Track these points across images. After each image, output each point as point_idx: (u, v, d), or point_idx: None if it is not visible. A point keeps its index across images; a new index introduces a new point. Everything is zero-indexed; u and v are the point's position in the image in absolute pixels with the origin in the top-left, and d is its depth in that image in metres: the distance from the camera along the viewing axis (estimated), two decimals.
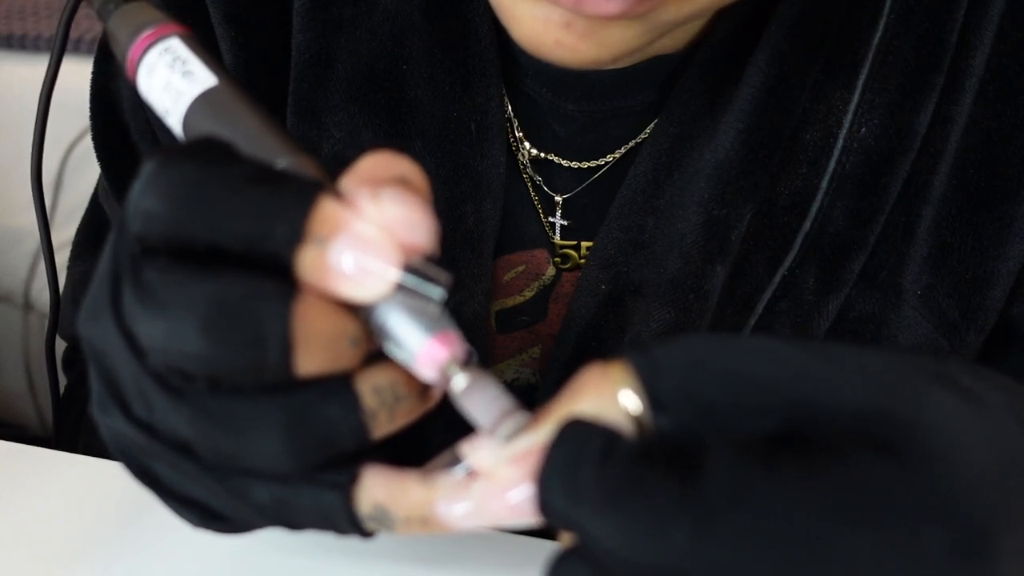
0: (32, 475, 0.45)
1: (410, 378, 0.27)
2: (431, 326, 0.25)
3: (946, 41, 0.42)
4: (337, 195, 0.25)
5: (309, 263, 0.24)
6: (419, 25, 0.45)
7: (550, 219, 0.47)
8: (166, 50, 0.30)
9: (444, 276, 0.25)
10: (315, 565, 0.40)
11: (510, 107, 0.46)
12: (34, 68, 0.91)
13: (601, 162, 0.46)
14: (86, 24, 1.11)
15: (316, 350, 0.25)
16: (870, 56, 0.42)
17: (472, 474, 0.26)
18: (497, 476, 0.25)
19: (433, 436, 0.31)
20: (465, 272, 0.45)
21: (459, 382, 0.25)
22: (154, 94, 0.30)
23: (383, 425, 0.26)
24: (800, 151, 0.42)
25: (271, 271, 0.25)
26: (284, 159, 0.27)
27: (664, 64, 0.44)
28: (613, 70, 0.43)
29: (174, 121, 0.29)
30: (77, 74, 0.87)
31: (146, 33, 0.30)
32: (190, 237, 0.25)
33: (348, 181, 0.26)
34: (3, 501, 0.44)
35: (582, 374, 0.25)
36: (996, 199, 0.43)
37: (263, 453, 0.25)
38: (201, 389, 0.25)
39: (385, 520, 0.27)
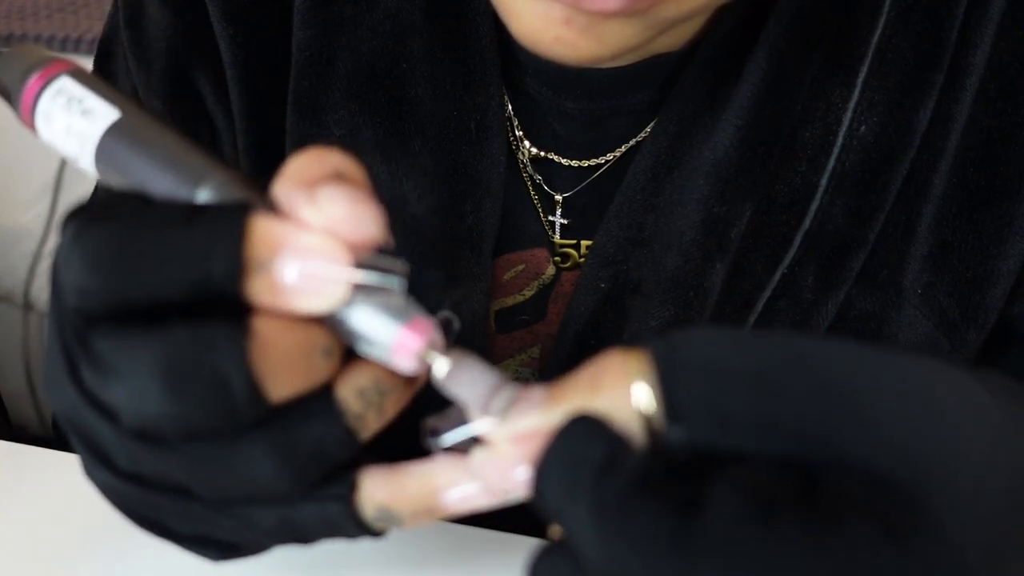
0: (32, 475, 0.45)
1: (389, 374, 0.26)
2: (399, 316, 0.24)
3: (946, 39, 0.41)
4: (270, 210, 0.24)
5: (258, 289, 0.24)
6: (419, 24, 0.44)
7: (550, 218, 0.47)
8: (59, 92, 0.27)
9: (399, 264, 0.25)
10: (315, 562, 0.40)
11: (510, 106, 0.46)
12: None
13: (601, 161, 0.46)
14: (86, 24, 1.11)
15: (285, 374, 0.24)
16: (870, 54, 0.42)
17: (455, 449, 0.26)
18: (499, 451, 0.25)
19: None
20: (464, 271, 0.45)
21: (440, 367, 0.25)
22: (58, 141, 0.28)
23: (372, 424, 0.26)
24: (800, 149, 0.42)
25: (223, 308, 0.24)
26: (208, 180, 0.26)
27: (664, 63, 0.43)
28: (613, 68, 0.43)
29: (86, 164, 0.27)
30: None
31: (33, 78, 0.28)
32: (128, 302, 0.24)
33: (280, 187, 0.25)
34: (3, 501, 0.44)
35: (602, 360, 0.25)
36: (997, 198, 0.43)
37: (259, 483, 0.25)
38: (177, 441, 0.25)
39: (391, 519, 0.27)
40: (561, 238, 0.47)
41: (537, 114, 0.46)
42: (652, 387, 0.23)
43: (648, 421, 0.23)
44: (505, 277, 0.48)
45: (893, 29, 0.42)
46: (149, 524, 0.29)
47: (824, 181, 0.42)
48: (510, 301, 0.48)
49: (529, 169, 0.47)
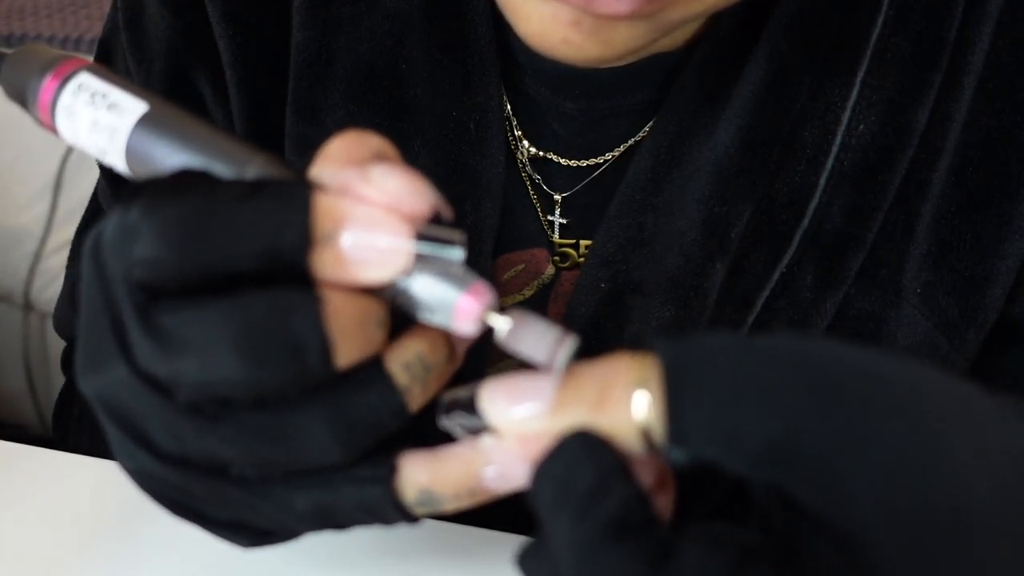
0: (32, 475, 0.45)
1: (434, 346, 0.27)
2: (459, 283, 0.25)
3: (944, 38, 0.42)
4: (322, 187, 0.25)
5: (325, 261, 0.25)
6: (418, 24, 0.45)
7: (549, 218, 0.47)
8: (80, 88, 0.28)
9: (457, 235, 0.25)
10: (313, 561, 0.40)
11: (509, 106, 0.46)
12: None
13: (600, 160, 0.46)
14: (86, 24, 1.11)
15: (351, 341, 0.25)
16: (868, 54, 0.42)
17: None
18: (506, 444, 0.26)
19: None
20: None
21: (502, 325, 0.26)
22: (82, 137, 0.28)
23: (418, 398, 0.27)
24: (799, 148, 0.42)
25: (287, 279, 0.25)
26: (251, 164, 0.27)
27: (662, 62, 0.44)
28: (612, 69, 0.43)
29: (115, 159, 0.27)
30: None
31: (48, 77, 0.28)
32: (203, 273, 0.24)
33: (325, 167, 0.26)
34: (3, 501, 0.44)
35: (612, 367, 0.25)
36: (996, 197, 0.43)
37: (312, 453, 0.26)
38: (240, 408, 0.25)
39: (432, 502, 0.27)
40: (560, 238, 0.47)
41: (536, 114, 0.46)
42: (657, 405, 0.23)
43: (650, 436, 0.24)
44: (505, 277, 0.48)
45: (892, 28, 0.42)
46: (183, 510, 0.29)
47: (823, 181, 0.42)
48: (510, 301, 0.48)
49: (528, 169, 0.47)
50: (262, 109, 0.47)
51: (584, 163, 0.46)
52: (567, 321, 0.45)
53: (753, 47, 0.42)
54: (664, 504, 0.25)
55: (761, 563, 0.22)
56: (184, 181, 0.25)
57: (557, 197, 0.47)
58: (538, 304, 0.48)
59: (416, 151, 0.45)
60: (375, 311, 0.26)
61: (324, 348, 0.24)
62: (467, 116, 0.44)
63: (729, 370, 0.23)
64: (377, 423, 0.26)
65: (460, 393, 0.27)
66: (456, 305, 0.25)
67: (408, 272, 0.25)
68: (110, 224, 0.25)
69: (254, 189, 0.25)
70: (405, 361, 0.26)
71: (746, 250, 0.43)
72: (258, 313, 0.24)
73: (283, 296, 0.24)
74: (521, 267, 0.48)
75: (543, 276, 0.48)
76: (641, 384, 0.24)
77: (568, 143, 0.46)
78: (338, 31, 0.45)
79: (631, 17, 0.32)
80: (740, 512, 0.26)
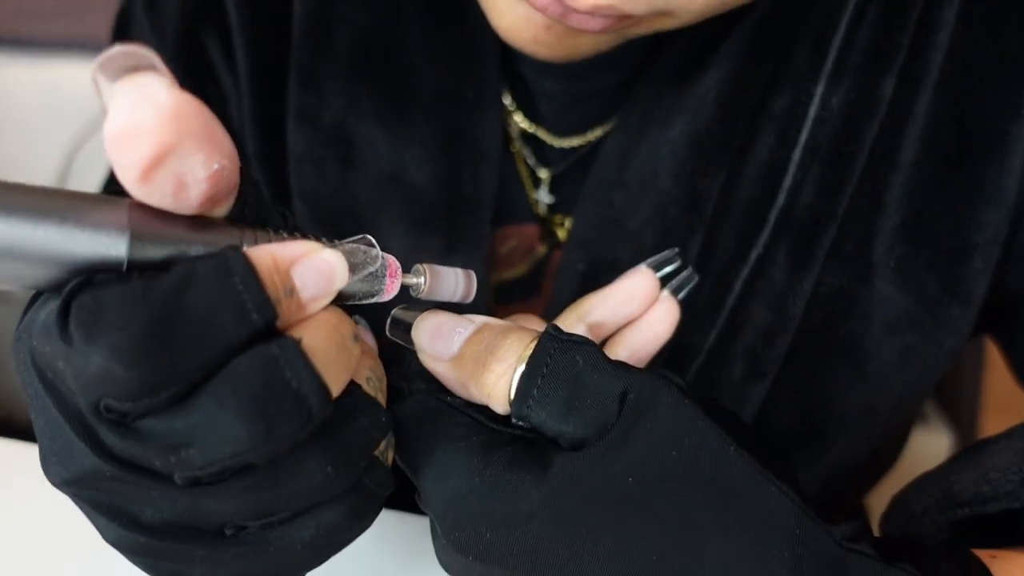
0: (32, 475, 0.45)
1: (374, 358, 0.30)
2: (377, 263, 0.28)
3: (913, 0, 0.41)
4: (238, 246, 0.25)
5: (287, 313, 0.24)
6: None
7: (536, 196, 0.48)
8: None
9: (363, 239, 0.28)
10: None
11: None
12: (34, 68, 0.91)
13: (583, 141, 0.46)
14: (92, 24, 1.11)
15: (334, 369, 0.25)
16: (843, 25, 0.41)
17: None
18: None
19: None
20: (463, 239, 0.45)
21: (419, 281, 0.30)
22: None
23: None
24: (768, 120, 0.42)
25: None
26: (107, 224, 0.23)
27: (637, 44, 0.43)
28: None
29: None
30: (78, 74, 0.88)
31: None
32: (170, 384, 0.23)
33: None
34: (3, 501, 0.44)
35: (506, 337, 0.29)
36: (965, 159, 0.42)
37: (317, 490, 0.26)
38: (240, 474, 0.24)
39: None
40: (549, 215, 0.48)
41: (526, 91, 0.47)
42: (516, 387, 0.28)
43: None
44: (501, 250, 0.48)
45: None
46: None
47: (797, 155, 0.42)
48: (507, 275, 0.49)
49: (518, 144, 0.47)
50: (268, 73, 0.47)
51: (568, 143, 0.47)
52: (552, 302, 0.45)
53: (726, 27, 0.42)
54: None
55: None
56: (109, 287, 0.23)
57: (544, 175, 0.47)
58: (533, 281, 0.48)
59: (415, 119, 0.45)
60: (347, 327, 0.26)
61: (321, 389, 0.24)
62: (465, 85, 0.45)
63: (567, 384, 0.28)
64: (370, 443, 0.27)
65: (406, 315, 0.31)
66: (385, 284, 0.28)
67: (347, 280, 0.26)
68: (44, 341, 0.23)
69: (189, 280, 0.23)
70: (365, 377, 0.28)
71: (718, 225, 0.43)
72: (251, 380, 0.23)
73: (266, 353, 0.23)
74: (514, 243, 0.48)
75: (535, 253, 0.48)
76: (518, 361, 0.29)
77: (553, 121, 0.47)
78: (336, 1, 0.45)
79: (602, 33, 0.34)
80: None
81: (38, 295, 0.25)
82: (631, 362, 0.35)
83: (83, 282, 0.23)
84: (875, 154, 0.42)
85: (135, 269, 0.23)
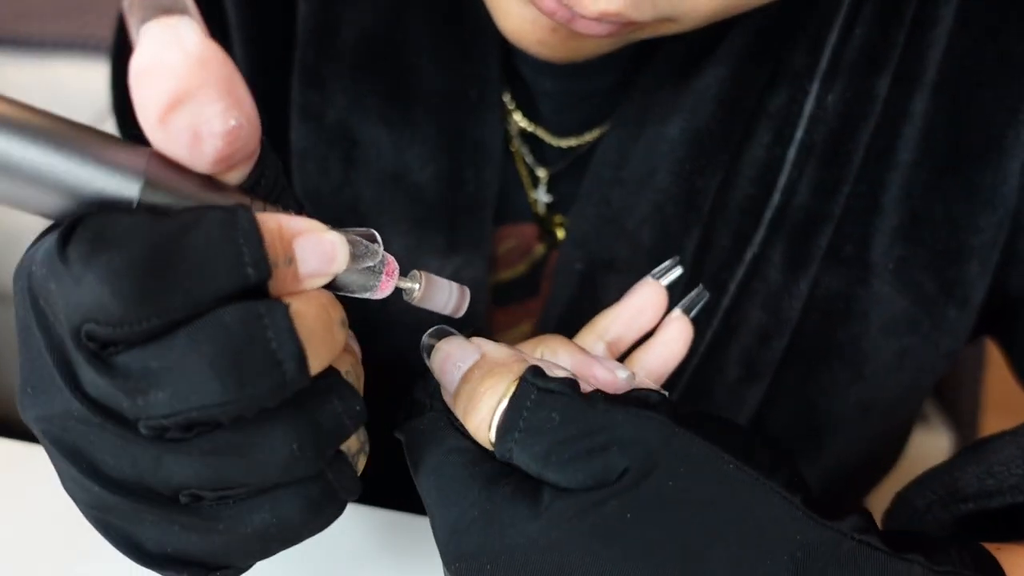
0: (32, 475, 0.45)
1: (354, 355, 0.30)
2: (376, 259, 0.28)
3: None
4: (253, 205, 0.25)
5: (282, 280, 0.24)
6: None
7: (535, 195, 0.48)
8: None
9: (369, 233, 0.28)
10: (306, 559, 0.40)
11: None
12: (34, 68, 0.91)
13: (582, 140, 0.47)
14: (92, 26, 1.11)
15: (320, 346, 0.25)
16: (838, 23, 0.41)
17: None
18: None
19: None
20: (464, 238, 0.45)
21: (414, 286, 0.31)
22: None
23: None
24: (765, 118, 0.42)
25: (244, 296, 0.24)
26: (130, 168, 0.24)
27: (638, 44, 0.43)
28: None
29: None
30: (78, 74, 0.88)
31: None
32: (159, 322, 0.23)
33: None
34: (3, 501, 0.44)
35: (493, 375, 0.29)
36: (963, 162, 0.42)
37: (277, 466, 0.25)
38: (207, 431, 0.24)
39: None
40: (547, 215, 0.48)
41: (525, 90, 0.47)
42: (496, 428, 0.29)
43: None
44: (500, 250, 0.48)
45: None
46: (126, 543, 0.27)
47: (792, 154, 0.42)
48: (505, 275, 0.49)
49: (517, 142, 0.47)
50: (264, 72, 0.47)
51: (567, 143, 0.47)
52: (550, 302, 0.45)
53: (725, 27, 0.42)
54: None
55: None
56: (115, 222, 0.23)
57: (542, 174, 0.47)
58: (531, 281, 0.48)
59: (417, 119, 0.45)
60: (335, 313, 0.26)
61: (301, 357, 0.24)
62: (468, 84, 0.45)
63: (546, 437, 0.28)
64: (342, 429, 0.26)
65: (431, 341, 0.32)
66: (381, 282, 0.28)
67: (346, 266, 0.26)
68: (42, 264, 0.24)
69: (195, 223, 0.23)
70: (345, 370, 0.27)
71: (714, 224, 0.43)
72: (232, 331, 0.23)
73: (253, 308, 0.23)
74: (513, 242, 0.48)
75: (534, 253, 0.48)
76: (499, 404, 0.29)
77: (551, 121, 0.47)
78: (341, 2, 0.45)
79: (608, 38, 0.34)
80: None
81: (45, 233, 0.26)
82: (649, 381, 0.34)
83: (91, 213, 0.24)
84: (871, 154, 0.42)
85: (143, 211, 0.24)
